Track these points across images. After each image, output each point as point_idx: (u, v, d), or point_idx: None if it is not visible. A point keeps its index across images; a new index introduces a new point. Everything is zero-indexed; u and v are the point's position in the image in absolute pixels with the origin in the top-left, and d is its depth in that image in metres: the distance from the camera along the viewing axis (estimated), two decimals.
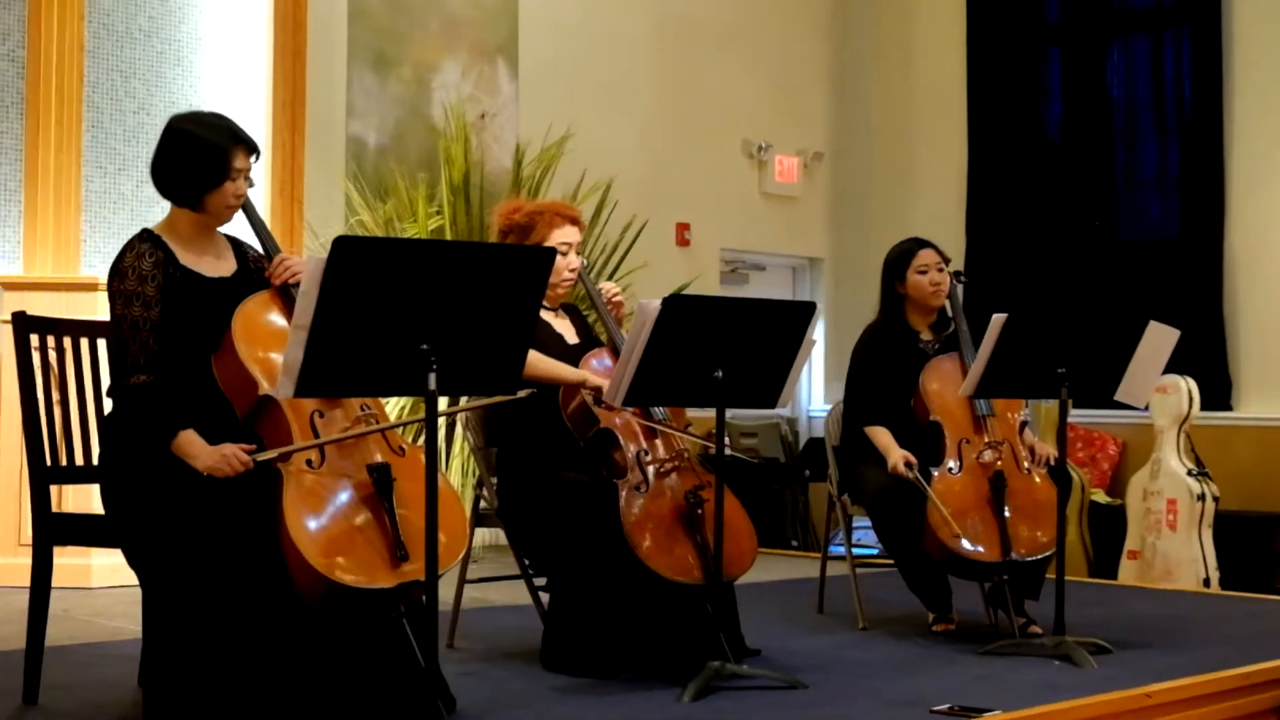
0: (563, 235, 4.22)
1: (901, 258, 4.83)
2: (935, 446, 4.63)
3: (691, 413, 4.30)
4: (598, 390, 3.99)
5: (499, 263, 3.14)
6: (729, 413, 3.83)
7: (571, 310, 4.40)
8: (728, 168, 9.08)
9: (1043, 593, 4.61)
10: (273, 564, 3.13)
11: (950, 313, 4.90)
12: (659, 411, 4.15)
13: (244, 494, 3.22)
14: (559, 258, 4.17)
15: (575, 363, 4.17)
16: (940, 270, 4.81)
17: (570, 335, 4.29)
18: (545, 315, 4.26)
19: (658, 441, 4.12)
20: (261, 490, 3.21)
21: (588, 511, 3.91)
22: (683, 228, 8.78)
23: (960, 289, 4.91)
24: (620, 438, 4.06)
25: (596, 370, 4.13)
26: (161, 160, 3.44)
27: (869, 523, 4.93)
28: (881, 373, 4.78)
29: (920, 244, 4.85)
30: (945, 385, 4.68)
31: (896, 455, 4.58)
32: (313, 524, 3.16)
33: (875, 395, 4.76)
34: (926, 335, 4.88)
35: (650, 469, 4.04)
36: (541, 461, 4.08)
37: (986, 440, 4.62)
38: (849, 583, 4.96)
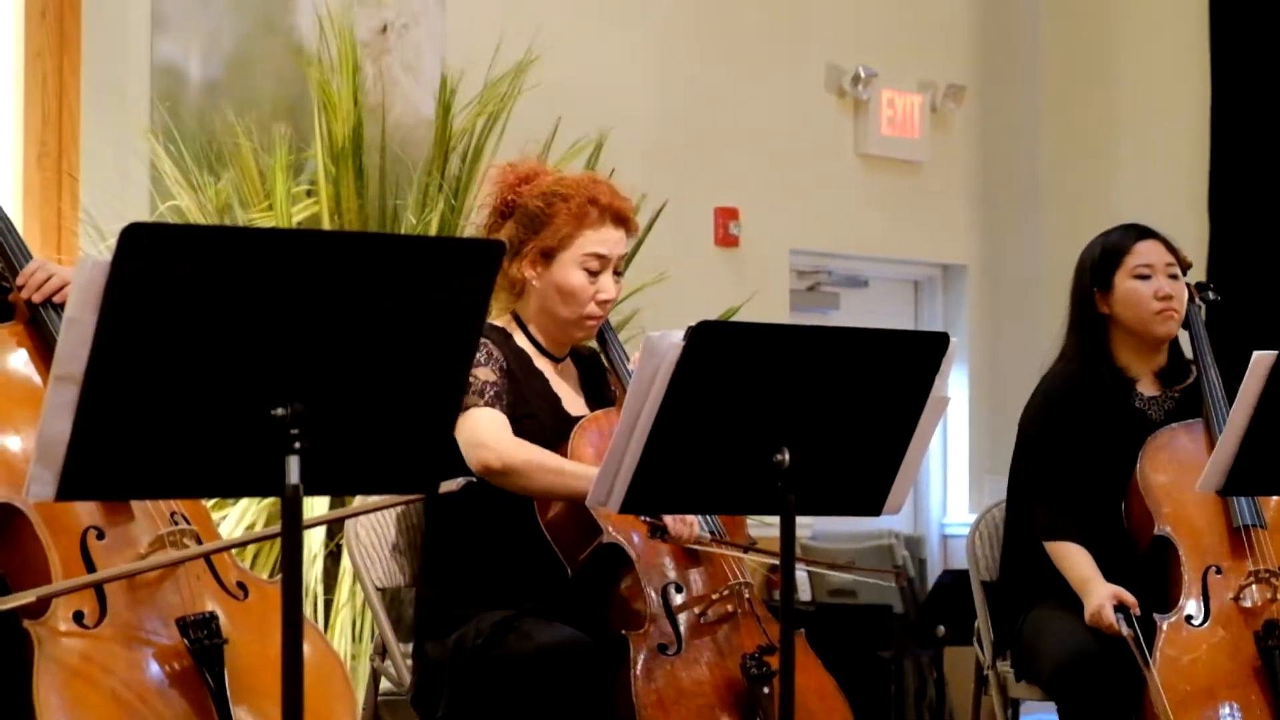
0: (601, 241, 4.21)
1: (1107, 256, 4.87)
2: (1164, 578, 4.62)
3: (753, 526, 4.30)
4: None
5: (417, 261, 3.12)
6: (809, 526, 3.83)
7: (584, 362, 4.40)
8: (803, 113, 9.10)
9: None
10: None
11: (1193, 352, 4.89)
12: (705, 519, 4.16)
13: None
14: (584, 279, 4.19)
15: None
16: (1174, 278, 4.83)
17: (573, 400, 4.30)
18: (541, 364, 4.27)
19: (699, 570, 4.14)
20: (8, 666, 3.23)
21: (572, 688, 3.90)
22: (726, 216, 8.80)
23: (1203, 312, 4.92)
24: (636, 560, 4.07)
25: (595, 445, 4.12)
26: None
27: (1052, 714, 4.93)
28: (1076, 449, 4.78)
29: (1139, 234, 4.89)
30: (1182, 475, 4.67)
31: (1101, 594, 4.57)
32: None
33: (1065, 489, 4.76)
34: (1150, 388, 4.89)
35: (684, 615, 4.05)
36: (493, 603, 4.07)
37: (1252, 568, 4.63)
38: None
